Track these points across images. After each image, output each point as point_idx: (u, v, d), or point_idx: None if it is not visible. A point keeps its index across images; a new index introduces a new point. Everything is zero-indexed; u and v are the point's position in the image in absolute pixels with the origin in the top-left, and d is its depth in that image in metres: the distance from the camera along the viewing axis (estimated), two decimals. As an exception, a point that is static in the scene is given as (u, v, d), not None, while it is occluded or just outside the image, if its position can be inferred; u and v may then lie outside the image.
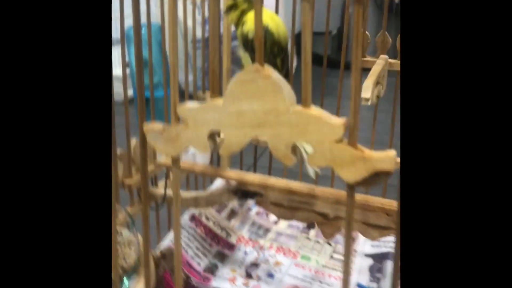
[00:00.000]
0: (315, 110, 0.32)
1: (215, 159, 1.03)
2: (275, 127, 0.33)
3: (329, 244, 0.95)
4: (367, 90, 0.73)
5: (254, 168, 1.03)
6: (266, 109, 0.32)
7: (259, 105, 0.33)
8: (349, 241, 0.33)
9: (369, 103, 0.74)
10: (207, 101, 0.34)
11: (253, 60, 0.76)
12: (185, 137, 0.35)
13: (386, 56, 0.87)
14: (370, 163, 0.31)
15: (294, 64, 1.66)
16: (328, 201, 0.66)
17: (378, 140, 0.90)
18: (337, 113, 0.94)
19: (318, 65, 1.14)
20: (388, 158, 0.30)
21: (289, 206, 0.69)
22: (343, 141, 0.31)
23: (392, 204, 0.63)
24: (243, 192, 0.71)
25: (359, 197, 0.62)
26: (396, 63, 0.85)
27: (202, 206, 0.83)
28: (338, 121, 0.31)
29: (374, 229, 0.64)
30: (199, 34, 1.27)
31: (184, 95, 0.87)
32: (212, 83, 0.36)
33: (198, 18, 1.19)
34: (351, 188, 0.32)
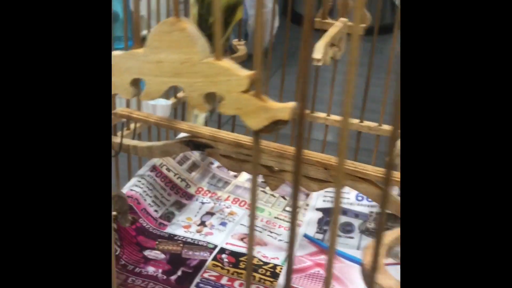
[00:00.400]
0: (225, 62, 0.35)
1: (180, 114, 1.06)
2: (190, 77, 0.35)
3: (284, 198, 0.99)
4: (318, 51, 0.76)
5: (233, 127, 1.06)
6: (181, 60, 0.35)
7: (175, 56, 0.35)
8: (255, 179, 0.36)
9: (321, 63, 0.76)
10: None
11: (199, 15, 0.79)
12: (112, 83, 0.38)
13: (346, 19, 0.89)
14: (270, 112, 0.34)
15: (276, 24, 1.65)
16: (273, 154, 0.69)
17: (355, 105, 0.94)
18: (316, 74, 0.97)
19: (300, 25, 1.15)
20: (286, 108, 0.33)
21: (237, 159, 0.72)
22: (249, 91, 0.34)
23: (331, 159, 0.67)
24: (194, 144, 0.74)
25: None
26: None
27: (156, 156, 0.87)
28: (245, 73, 0.34)
29: (314, 182, 0.68)
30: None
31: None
32: (136, 33, 0.39)
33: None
34: (256, 134, 0.35)
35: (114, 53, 0.37)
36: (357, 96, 0.97)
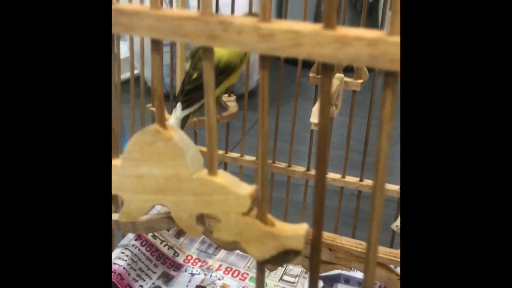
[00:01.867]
0: (221, 177, 0.28)
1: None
2: (177, 195, 0.29)
3: (281, 266, 0.92)
4: (315, 115, 0.71)
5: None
6: (167, 174, 0.29)
7: (159, 170, 0.29)
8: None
9: (318, 128, 0.72)
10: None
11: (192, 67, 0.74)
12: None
13: (342, 75, 0.84)
14: (279, 240, 0.27)
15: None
16: None
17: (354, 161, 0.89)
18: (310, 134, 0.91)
19: (292, 64, 1.11)
20: (297, 235, 0.27)
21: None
22: (252, 212, 0.28)
23: (335, 238, 0.60)
24: None
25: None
26: (352, 82, 0.82)
27: (141, 232, 0.80)
28: (245, 191, 0.28)
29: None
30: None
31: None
32: (113, 142, 0.32)
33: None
34: (261, 266, 0.29)
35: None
36: (355, 145, 0.92)
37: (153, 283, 0.87)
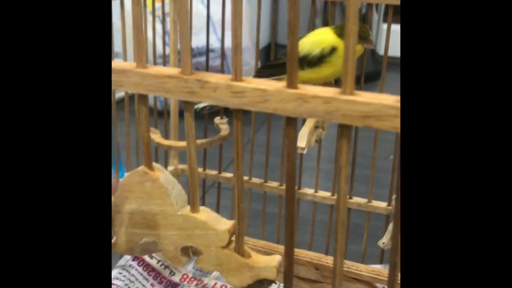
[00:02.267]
0: (202, 214, 0.32)
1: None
2: (164, 229, 0.33)
3: (275, 283, 0.95)
4: (302, 139, 0.74)
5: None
6: (154, 211, 0.32)
7: (147, 207, 0.32)
8: None
9: (305, 151, 0.74)
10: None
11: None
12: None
13: None
14: (254, 270, 0.31)
15: None
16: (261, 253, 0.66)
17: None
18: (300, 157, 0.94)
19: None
20: (270, 266, 0.30)
21: None
22: (230, 245, 0.31)
23: (321, 258, 0.63)
24: None
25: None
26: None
27: (136, 254, 0.83)
28: (224, 227, 0.31)
29: (305, 282, 0.65)
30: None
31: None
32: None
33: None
34: (238, 293, 0.32)
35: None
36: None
37: (150, 303, 0.89)
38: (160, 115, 1.00)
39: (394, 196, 0.76)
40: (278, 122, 0.79)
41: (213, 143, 0.88)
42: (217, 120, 0.95)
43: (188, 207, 0.32)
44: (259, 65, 1.59)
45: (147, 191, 0.32)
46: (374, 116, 0.25)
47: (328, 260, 0.64)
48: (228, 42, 1.10)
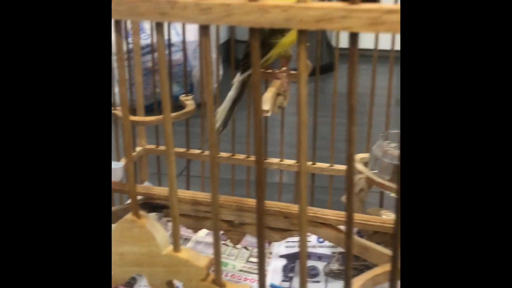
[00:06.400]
0: (184, 253, 0.38)
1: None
2: (151, 266, 0.38)
3: (246, 249, 0.95)
4: (266, 103, 0.75)
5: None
6: (142, 252, 0.38)
7: (136, 248, 0.38)
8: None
9: (269, 114, 0.76)
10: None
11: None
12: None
13: (287, 68, 0.85)
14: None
15: (220, 72, 1.60)
16: (232, 208, 0.71)
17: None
18: (265, 122, 0.92)
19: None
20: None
21: (196, 216, 0.74)
22: (208, 278, 0.38)
23: (289, 207, 0.68)
24: (151, 206, 0.74)
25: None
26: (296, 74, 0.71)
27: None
28: (202, 263, 0.38)
29: (275, 232, 0.70)
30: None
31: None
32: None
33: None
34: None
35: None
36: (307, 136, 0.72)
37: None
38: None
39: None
40: (240, 113, 0.82)
41: (180, 117, 0.88)
42: (182, 97, 0.95)
43: (171, 247, 0.38)
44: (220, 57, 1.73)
45: (135, 236, 0.38)
46: (326, 19, 0.28)
47: (296, 208, 0.67)
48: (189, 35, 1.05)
